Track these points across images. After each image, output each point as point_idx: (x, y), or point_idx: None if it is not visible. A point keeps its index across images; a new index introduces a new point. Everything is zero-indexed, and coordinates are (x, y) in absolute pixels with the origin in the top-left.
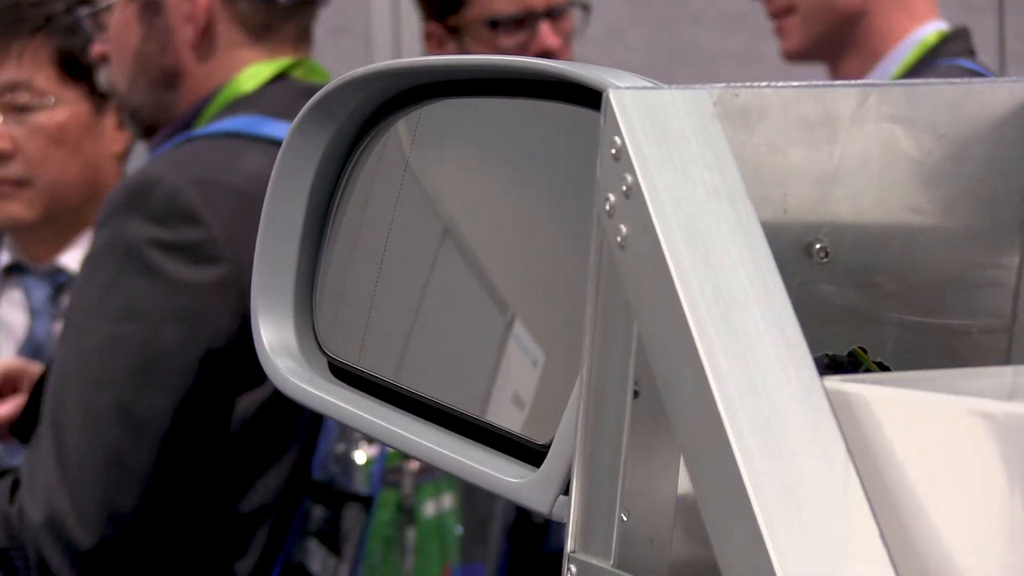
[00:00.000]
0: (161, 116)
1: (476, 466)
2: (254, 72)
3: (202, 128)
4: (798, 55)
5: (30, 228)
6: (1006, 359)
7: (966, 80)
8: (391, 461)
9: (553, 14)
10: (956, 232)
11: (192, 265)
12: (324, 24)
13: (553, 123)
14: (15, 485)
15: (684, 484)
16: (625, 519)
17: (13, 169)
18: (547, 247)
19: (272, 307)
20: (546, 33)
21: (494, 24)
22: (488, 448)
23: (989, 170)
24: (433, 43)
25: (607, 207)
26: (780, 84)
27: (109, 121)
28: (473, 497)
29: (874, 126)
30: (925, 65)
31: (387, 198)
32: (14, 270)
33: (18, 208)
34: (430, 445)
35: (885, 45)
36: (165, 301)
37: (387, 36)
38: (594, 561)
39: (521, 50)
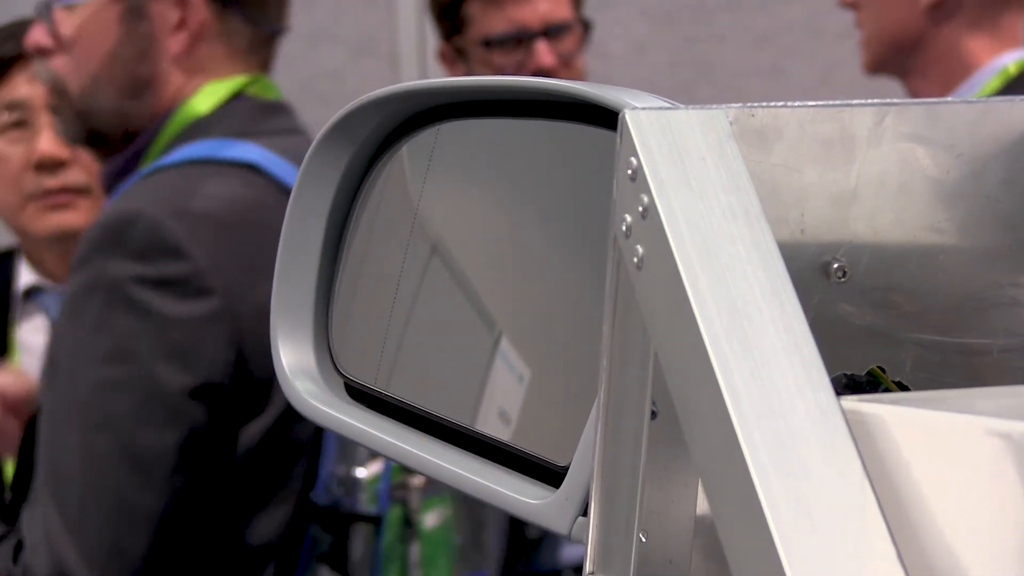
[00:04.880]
0: (118, 124)
1: (495, 487)
2: (210, 91)
3: (164, 157)
4: (871, 71)
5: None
6: None
7: (983, 99)
8: (396, 477)
9: (551, 33)
10: (975, 251)
11: (181, 300)
12: (350, 46)
13: (569, 143)
14: (19, 545)
15: (703, 505)
16: (644, 540)
17: (72, 176)
18: (563, 268)
19: (291, 329)
20: (542, 52)
21: (488, 44)
22: (507, 469)
23: (1008, 189)
24: (446, 63)
25: (624, 228)
26: (797, 103)
27: None
28: (467, 506)
29: (892, 145)
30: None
31: (403, 218)
32: (33, 293)
33: (73, 218)
34: (448, 466)
35: (960, 71)
36: (156, 339)
37: (413, 57)
38: None
39: (517, 69)
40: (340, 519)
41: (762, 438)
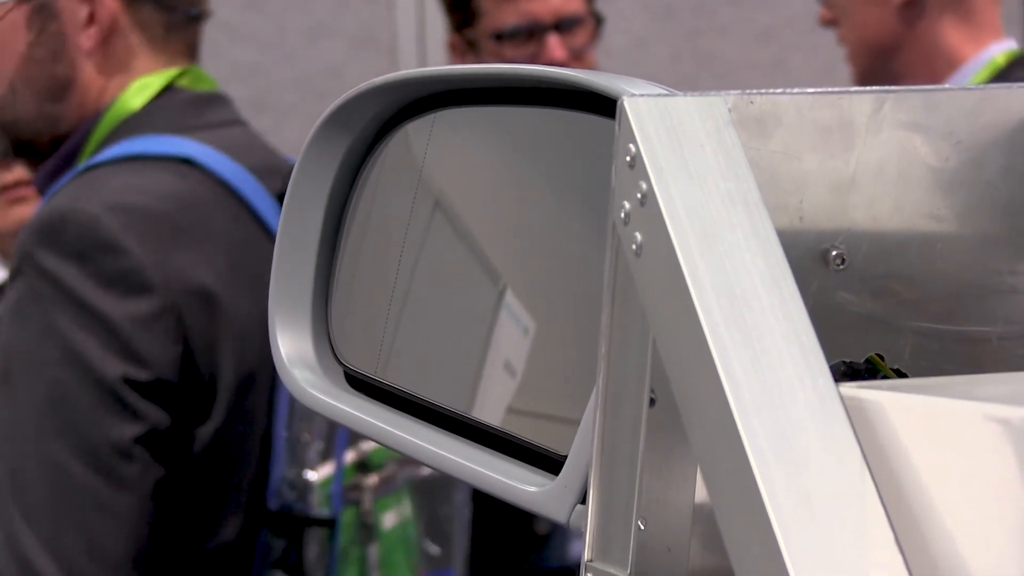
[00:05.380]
0: (44, 130)
1: (493, 475)
2: (141, 86)
3: (96, 155)
4: (861, 84)
5: None
6: None
7: (981, 86)
8: (348, 479)
9: (563, 27)
10: (973, 239)
11: (122, 297)
12: (349, 38)
13: (568, 131)
14: None
15: (701, 492)
16: (642, 528)
17: (24, 170)
18: (563, 256)
19: (289, 318)
20: (553, 46)
21: (499, 36)
22: (505, 457)
23: (1006, 176)
24: (456, 54)
25: (622, 215)
26: (795, 90)
27: None
28: (429, 502)
29: (890, 132)
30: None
31: (400, 206)
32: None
33: (31, 211)
34: (446, 455)
35: (945, 67)
36: (103, 338)
37: (412, 50)
38: (611, 570)
39: (528, 62)
40: (293, 523)
41: (761, 425)
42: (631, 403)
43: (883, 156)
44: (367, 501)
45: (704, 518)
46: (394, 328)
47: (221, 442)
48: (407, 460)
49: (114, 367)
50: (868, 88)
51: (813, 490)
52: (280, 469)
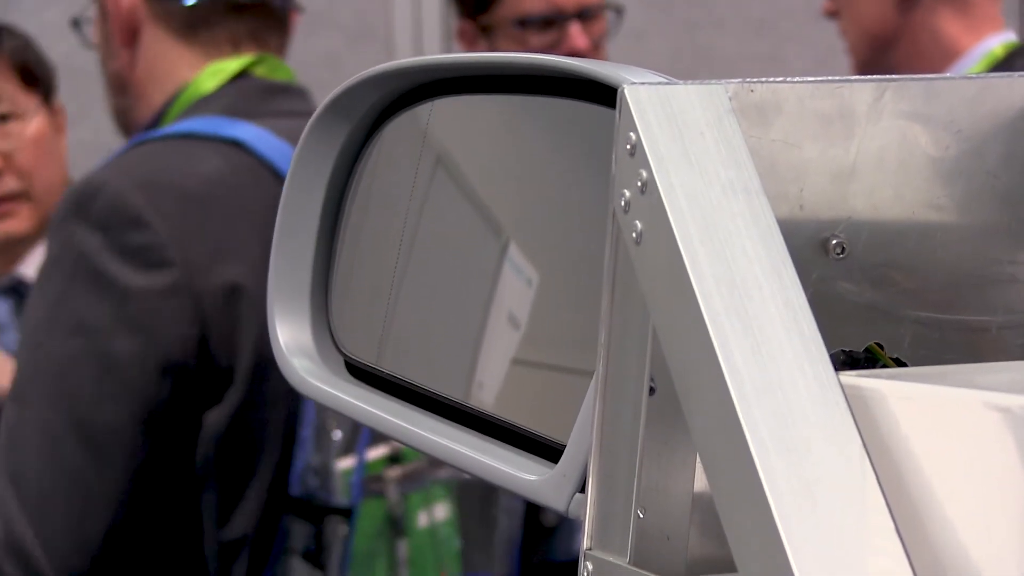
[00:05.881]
0: (125, 121)
1: (492, 464)
2: (215, 70)
3: (159, 131)
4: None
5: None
6: None
7: (982, 75)
8: (371, 471)
9: (584, 16)
10: (974, 228)
11: (140, 271)
12: (345, 30)
13: (567, 120)
14: None
15: (701, 481)
16: (641, 516)
17: (8, 184)
18: (562, 244)
19: (288, 306)
20: (576, 34)
21: (523, 23)
22: (505, 445)
23: (1007, 166)
24: (466, 41)
25: (622, 203)
26: (796, 79)
27: (62, 127)
28: (470, 505)
29: (891, 121)
30: None
31: (399, 194)
32: None
33: (15, 225)
34: (446, 443)
35: (944, 59)
36: (115, 310)
37: (408, 41)
38: (610, 558)
39: (550, 50)
40: (314, 511)
41: (761, 414)
42: (631, 391)
43: (883, 145)
44: (392, 494)
45: (703, 506)
46: (394, 316)
47: (239, 428)
48: (436, 461)
49: (122, 341)
50: (869, 77)
51: (813, 478)
52: (305, 457)
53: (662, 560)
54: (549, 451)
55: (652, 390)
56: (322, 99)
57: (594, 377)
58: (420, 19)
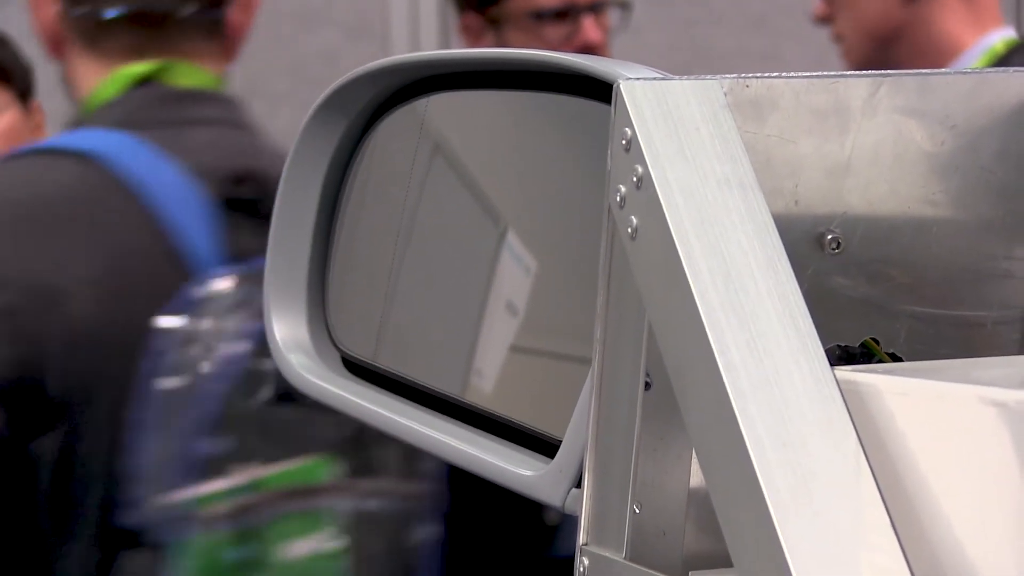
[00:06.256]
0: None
1: (488, 459)
2: (115, 78)
3: (31, 145)
4: None
5: None
6: (1020, 350)
7: (977, 70)
8: (207, 503)
9: (596, 9)
10: (969, 223)
11: None
12: (342, 26)
13: (563, 116)
14: None
15: (697, 476)
16: (637, 511)
17: None
18: (557, 240)
19: (284, 303)
20: (589, 27)
21: (538, 16)
22: (501, 441)
23: (1002, 161)
24: (471, 35)
25: (618, 198)
26: (791, 74)
27: (40, 125)
28: (370, 537)
29: (886, 116)
30: None
31: (396, 189)
32: None
33: None
34: (442, 439)
35: (945, 56)
36: None
37: (405, 37)
38: (606, 554)
39: (564, 43)
40: (147, 546)
41: (757, 409)
42: (626, 387)
43: (878, 140)
44: (237, 525)
45: (699, 502)
46: (391, 312)
47: (68, 459)
48: (304, 491)
49: None
50: (864, 72)
51: (809, 473)
52: (139, 490)
53: (658, 555)
54: (545, 446)
55: (648, 385)
56: (319, 95)
57: (590, 372)
58: (417, 15)
